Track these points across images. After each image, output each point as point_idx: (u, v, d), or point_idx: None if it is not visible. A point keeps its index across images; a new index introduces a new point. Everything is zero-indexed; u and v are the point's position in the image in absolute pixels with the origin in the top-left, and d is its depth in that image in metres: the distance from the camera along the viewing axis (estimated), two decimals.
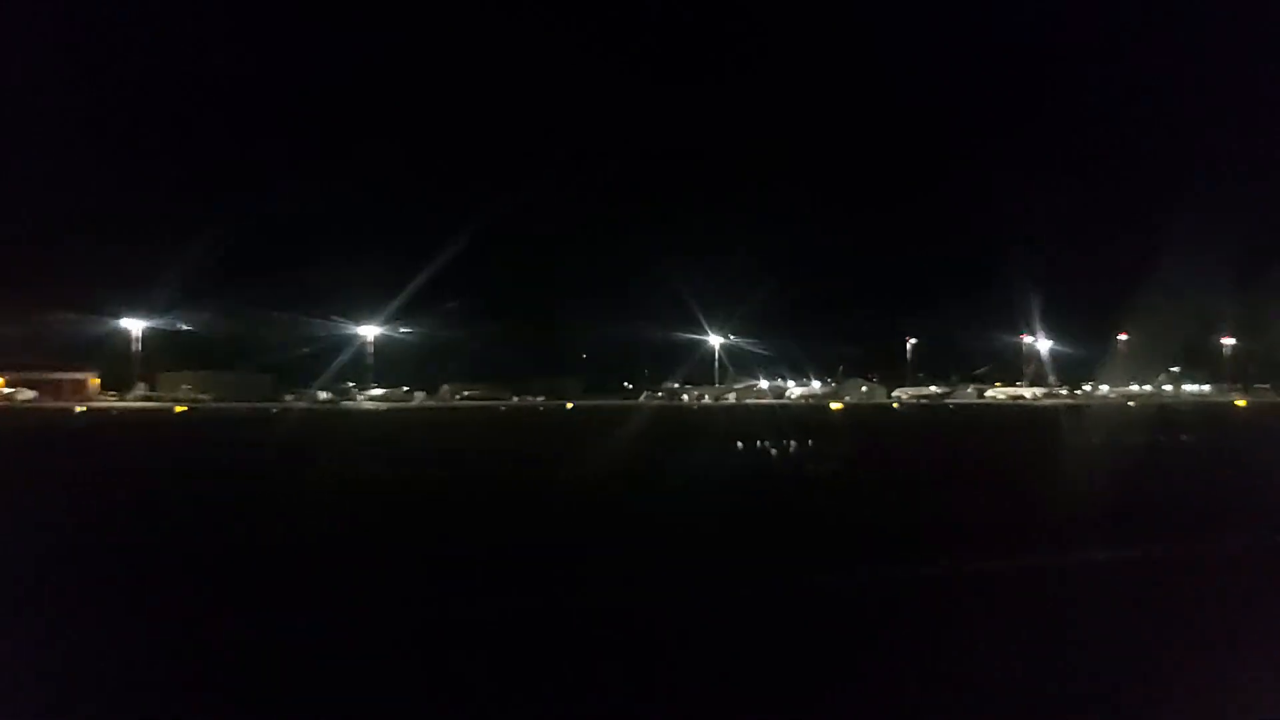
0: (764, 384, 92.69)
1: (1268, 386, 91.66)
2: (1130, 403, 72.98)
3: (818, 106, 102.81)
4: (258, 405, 56.82)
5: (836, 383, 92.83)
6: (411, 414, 54.38)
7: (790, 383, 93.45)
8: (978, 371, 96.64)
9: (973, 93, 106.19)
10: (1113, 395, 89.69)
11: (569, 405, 63.62)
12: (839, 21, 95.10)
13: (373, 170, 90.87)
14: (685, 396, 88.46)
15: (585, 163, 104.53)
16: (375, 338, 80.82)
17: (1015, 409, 73.13)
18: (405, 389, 74.26)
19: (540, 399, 73.98)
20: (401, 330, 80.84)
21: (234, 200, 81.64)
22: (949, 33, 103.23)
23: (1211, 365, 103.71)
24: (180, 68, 75.04)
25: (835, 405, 67.92)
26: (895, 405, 70.47)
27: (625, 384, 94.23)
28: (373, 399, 72.90)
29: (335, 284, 77.00)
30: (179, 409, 51.15)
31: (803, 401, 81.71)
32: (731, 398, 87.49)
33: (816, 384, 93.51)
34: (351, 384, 72.16)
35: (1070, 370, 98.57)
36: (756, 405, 74.62)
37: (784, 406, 74.35)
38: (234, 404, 59.50)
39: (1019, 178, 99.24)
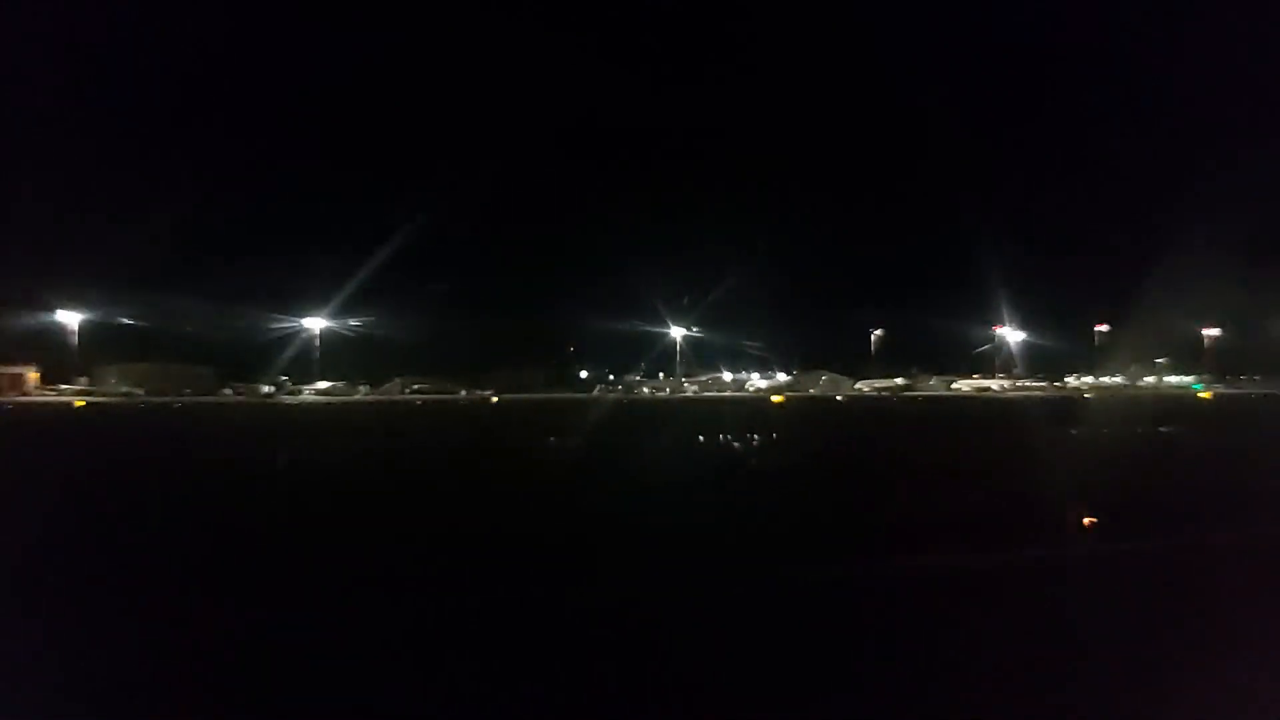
0: (727, 376, 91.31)
1: (1251, 378, 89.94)
2: (1088, 395, 71.21)
3: (791, 100, 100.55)
4: (179, 399, 56.34)
5: (800, 374, 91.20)
6: (331, 407, 53.76)
7: (754, 375, 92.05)
8: (984, 348, 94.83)
9: (945, 85, 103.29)
10: (1086, 388, 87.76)
11: (494, 399, 62.73)
12: (805, 11, 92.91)
13: (327, 160, 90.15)
14: (645, 389, 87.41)
15: (553, 154, 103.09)
16: (338, 330, 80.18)
17: (972, 400, 71.68)
18: (343, 382, 73.43)
19: (488, 392, 72.96)
20: (360, 323, 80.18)
21: (185, 192, 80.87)
22: (926, 26, 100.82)
23: (1200, 358, 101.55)
24: (119, 54, 74.08)
25: (776, 398, 66.60)
26: (839, 398, 68.91)
27: (610, 375, 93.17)
28: (318, 392, 72.36)
29: (294, 277, 76.47)
30: (78, 404, 50.76)
31: (753, 393, 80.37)
32: (691, 390, 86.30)
33: (781, 375, 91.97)
34: (285, 377, 71.52)
35: (1052, 363, 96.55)
36: (704, 398, 73.54)
37: (741, 399, 73.29)
38: (160, 398, 59.03)
39: (996, 170, 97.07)
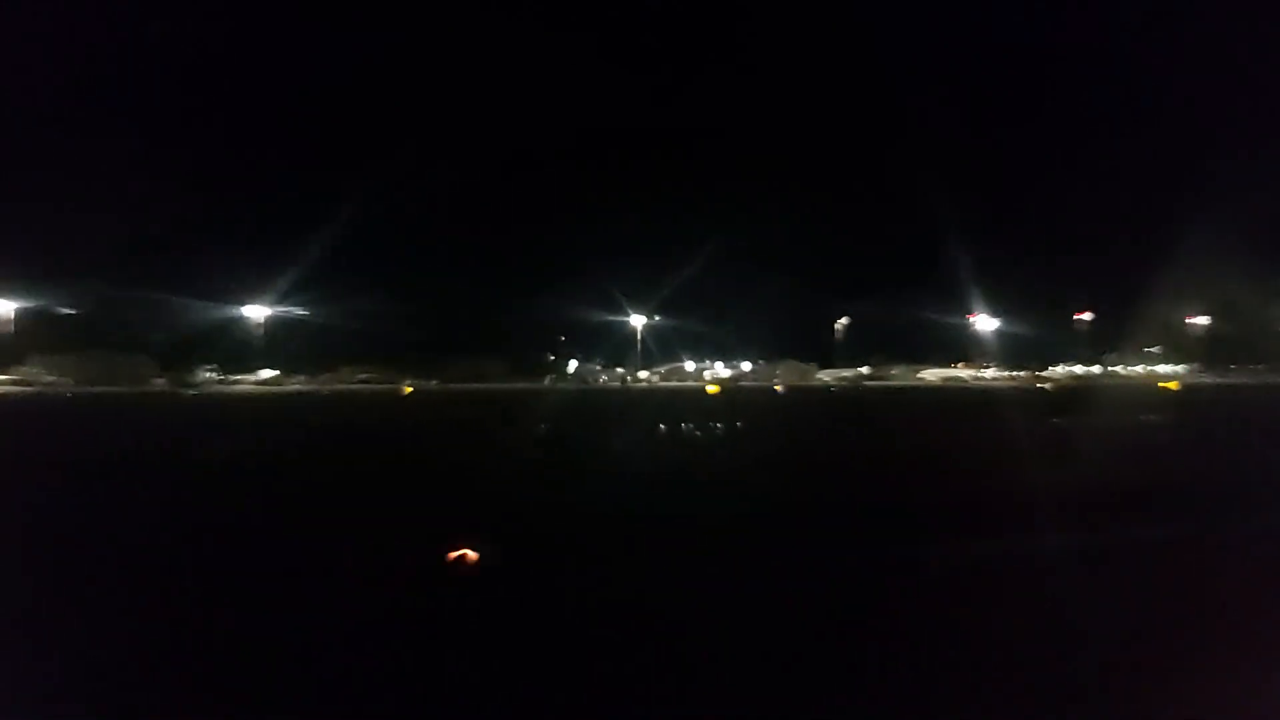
0: (689, 365, 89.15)
1: (1247, 369, 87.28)
2: (1045, 385, 68.54)
3: (757, 90, 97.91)
4: (72, 389, 55.32)
5: (765, 364, 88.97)
6: (245, 399, 52.47)
7: (718, 364, 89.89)
8: (959, 336, 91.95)
9: (917, 74, 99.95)
10: (1058, 377, 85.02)
11: (407, 389, 61.13)
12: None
13: (283, 148, 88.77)
14: (604, 379, 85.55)
15: (513, 143, 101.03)
16: (291, 319, 78.83)
17: (929, 390, 69.36)
18: (276, 373, 71.84)
19: (432, 382, 71.49)
20: (312, 312, 78.74)
21: (140, 179, 79.68)
22: (910, 18, 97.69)
23: (1190, 347, 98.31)
24: (46, 39, 72.65)
25: (711, 389, 64.59)
26: (779, 388, 66.55)
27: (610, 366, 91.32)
28: (255, 383, 71.23)
29: (247, 265, 75.32)
30: None
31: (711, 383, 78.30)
32: (652, 380, 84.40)
33: (745, 365, 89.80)
34: (213, 367, 70.17)
35: (1032, 352, 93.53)
36: (645, 388, 71.70)
37: (684, 390, 71.27)
38: (76, 389, 57.99)
39: (972, 158, 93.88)
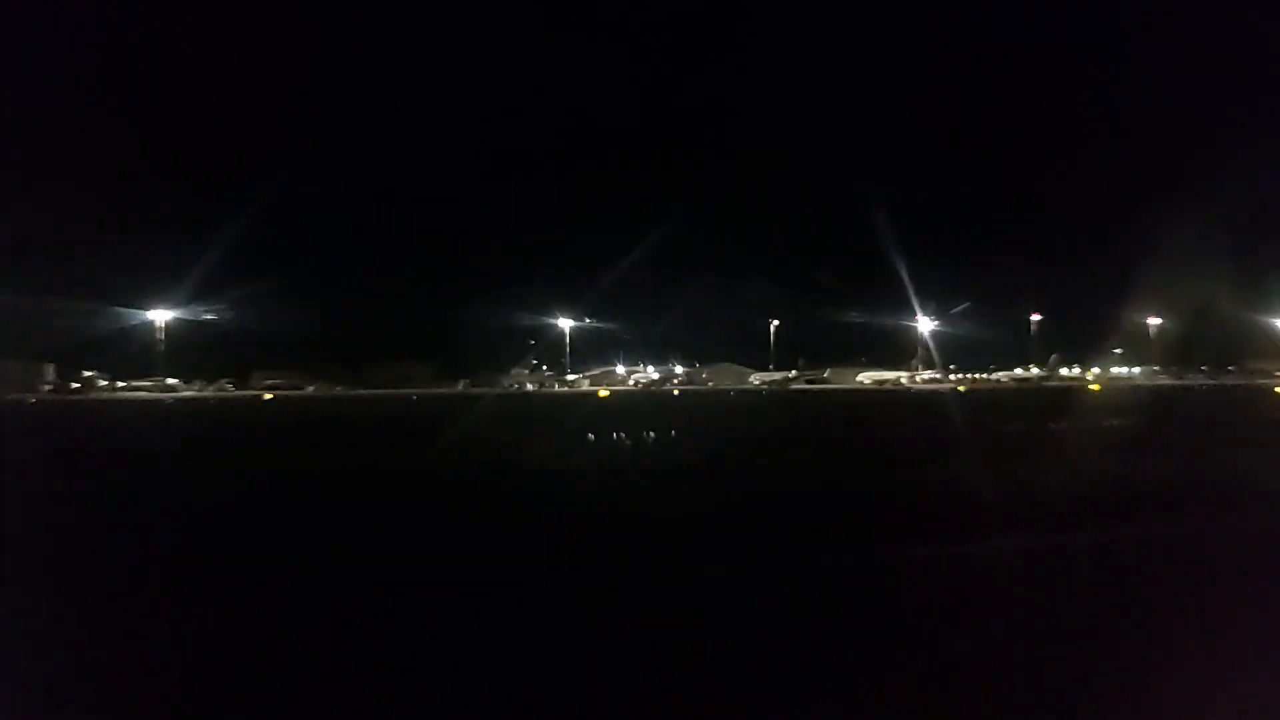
0: (620, 369, 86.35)
1: (1201, 369, 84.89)
2: (960, 388, 65.56)
3: (698, 90, 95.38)
4: None
5: (700, 366, 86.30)
6: (76, 406, 49.46)
7: (649, 368, 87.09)
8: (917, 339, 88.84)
9: (856, 67, 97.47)
10: (1003, 380, 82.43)
11: (267, 396, 58.24)
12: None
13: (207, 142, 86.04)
14: (529, 384, 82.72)
15: (441, 146, 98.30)
16: (206, 323, 75.49)
17: (847, 394, 66.20)
18: (171, 380, 68.53)
19: (337, 388, 68.61)
20: (221, 316, 75.14)
21: (39, 178, 76.74)
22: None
23: (1147, 349, 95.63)
24: None
25: (602, 392, 61.69)
26: (675, 392, 63.52)
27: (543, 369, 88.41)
28: (151, 388, 68.31)
29: (162, 267, 72.46)
30: None
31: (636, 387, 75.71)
32: (580, 384, 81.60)
33: (679, 368, 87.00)
34: (91, 373, 67.08)
35: (982, 354, 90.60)
36: (547, 394, 68.72)
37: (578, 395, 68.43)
38: None
39: (921, 159, 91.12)
